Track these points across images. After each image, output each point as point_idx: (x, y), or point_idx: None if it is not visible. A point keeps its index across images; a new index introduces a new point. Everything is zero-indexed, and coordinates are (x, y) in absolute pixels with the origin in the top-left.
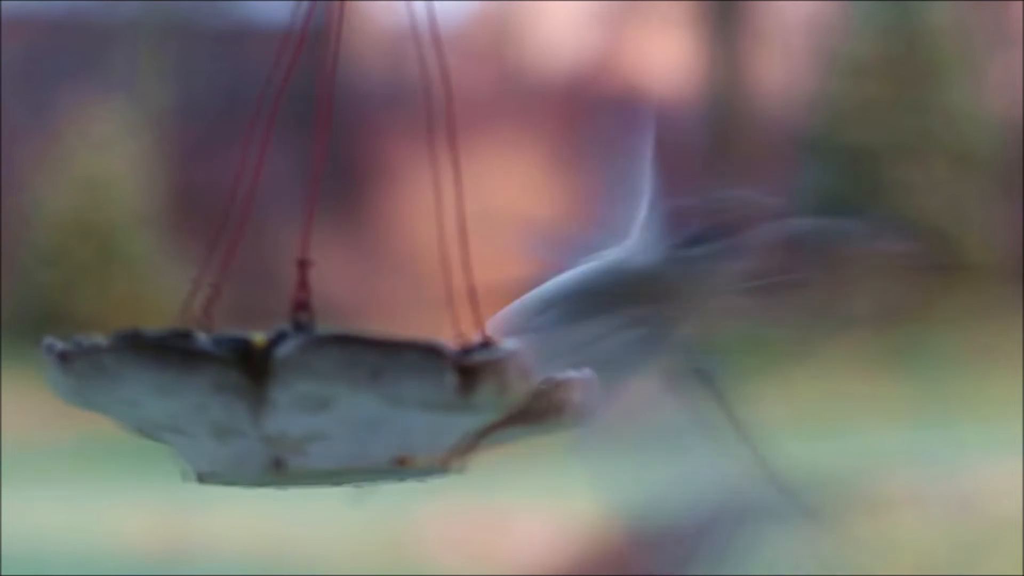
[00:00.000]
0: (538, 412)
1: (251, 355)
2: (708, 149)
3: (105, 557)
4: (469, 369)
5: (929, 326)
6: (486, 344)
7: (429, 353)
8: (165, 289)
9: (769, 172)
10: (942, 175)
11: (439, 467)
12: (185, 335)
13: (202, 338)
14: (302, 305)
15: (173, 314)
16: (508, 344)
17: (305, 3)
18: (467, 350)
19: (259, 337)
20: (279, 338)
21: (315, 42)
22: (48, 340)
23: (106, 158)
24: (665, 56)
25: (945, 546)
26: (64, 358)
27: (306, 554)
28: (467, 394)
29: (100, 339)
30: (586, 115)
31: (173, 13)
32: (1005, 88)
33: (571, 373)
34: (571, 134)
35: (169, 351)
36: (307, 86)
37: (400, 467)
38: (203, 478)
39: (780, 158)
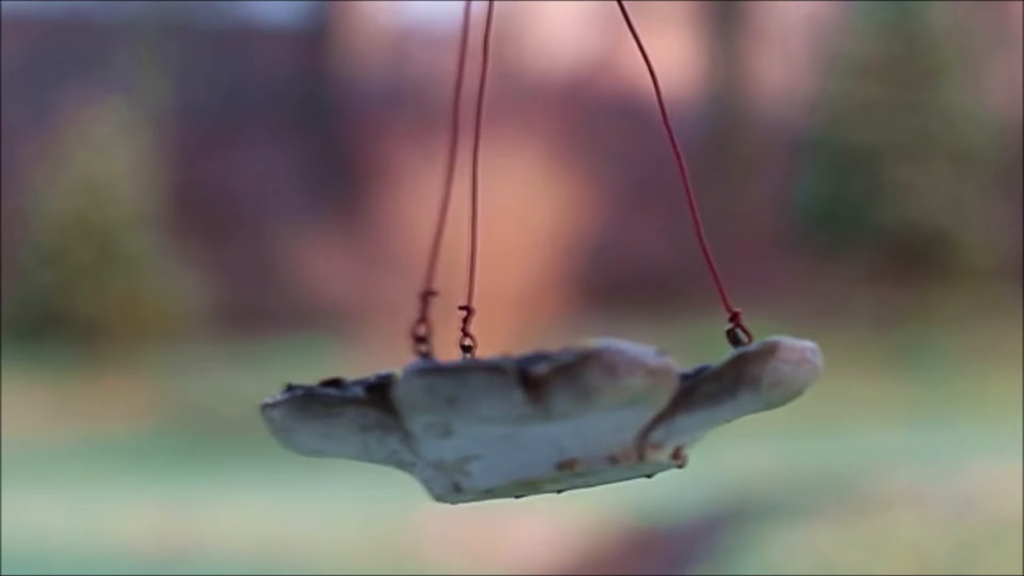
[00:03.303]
0: (728, 390)
1: (381, 393)
2: (708, 149)
3: (105, 557)
4: (533, 380)
5: (929, 326)
6: (546, 353)
7: (493, 372)
8: (165, 289)
9: (769, 172)
10: (942, 175)
11: (639, 463)
12: (318, 386)
13: (328, 387)
14: (421, 338)
15: (172, 314)
16: (578, 347)
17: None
18: (528, 360)
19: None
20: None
21: (316, 42)
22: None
23: (106, 158)
24: (665, 56)
25: (945, 546)
26: (264, 409)
27: (306, 554)
28: (540, 403)
29: (273, 396)
30: (586, 115)
31: (173, 13)
32: (1005, 88)
33: (764, 343)
34: (571, 134)
35: (311, 401)
36: (308, 87)
37: (569, 471)
38: (440, 499)
39: (780, 158)
